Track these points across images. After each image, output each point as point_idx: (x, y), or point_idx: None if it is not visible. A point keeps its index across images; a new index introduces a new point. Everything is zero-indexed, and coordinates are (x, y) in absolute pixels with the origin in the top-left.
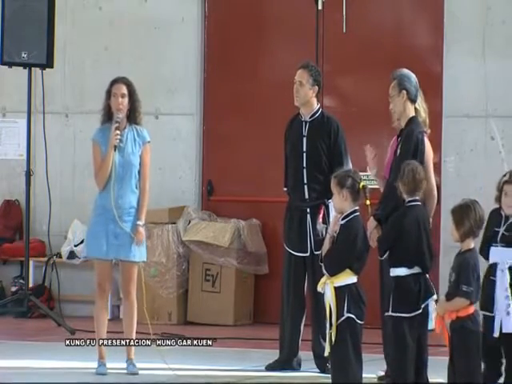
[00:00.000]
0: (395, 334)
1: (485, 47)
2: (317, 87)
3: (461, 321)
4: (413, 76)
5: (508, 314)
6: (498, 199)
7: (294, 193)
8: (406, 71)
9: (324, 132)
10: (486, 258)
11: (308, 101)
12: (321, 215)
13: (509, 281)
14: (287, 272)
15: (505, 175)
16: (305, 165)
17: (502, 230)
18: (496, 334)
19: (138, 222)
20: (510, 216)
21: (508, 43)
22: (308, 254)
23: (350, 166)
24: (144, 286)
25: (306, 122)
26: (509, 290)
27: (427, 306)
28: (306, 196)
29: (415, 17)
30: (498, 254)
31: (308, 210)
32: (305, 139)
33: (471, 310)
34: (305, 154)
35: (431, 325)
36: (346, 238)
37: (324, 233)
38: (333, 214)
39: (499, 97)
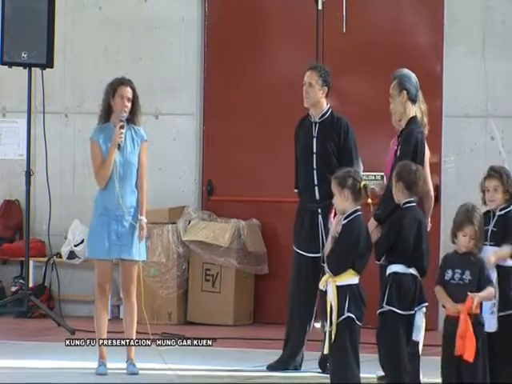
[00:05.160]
0: (387, 329)
1: (485, 47)
2: (326, 88)
3: (478, 316)
4: (413, 76)
5: (492, 312)
6: (484, 201)
7: (305, 194)
8: (406, 71)
9: (334, 132)
10: None
11: (318, 102)
12: (332, 215)
13: (496, 279)
14: (297, 273)
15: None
16: (315, 166)
17: (490, 227)
18: None
19: (142, 218)
20: (497, 211)
21: (508, 43)
22: (320, 255)
23: (361, 166)
24: (143, 285)
25: (315, 123)
26: (495, 290)
27: (415, 313)
28: (317, 197)
29: (415, 17)
30: (486, 252)
31: (319, 210)
32: (315, 140)
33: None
34: (315, 155)
35: (417, 336)
36: (348, 237)
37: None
38: None
39: (499, 97)
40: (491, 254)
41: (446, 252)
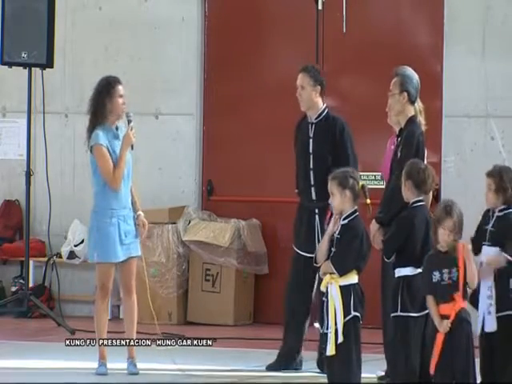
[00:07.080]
0: (403, 334)
1: (485, 47)
2: (319, 87)
3: (463, 312)
4: (415, 77)
5: (489, 313)
6: None
7: (303, 194)
8: (409, 72)
9: (329, 132)
10: (476, 255)
11: (312, 102)
12: (328, 216)
13: (492, 280)
14: (295, 272)
15: None
16: (311, 166)
17: (489, 227)
18: (477, 333)
19: (140, 213)
20: (496, 212)
21: (508, 43)
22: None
23: (357, 166)
24: (147, 285)
25: (312, 124)
26: (492, 290)
27: None
28: (314, 197)
29: (415, 17)
30: (484, 252)
31: (316, 210)
32: (311, 141)
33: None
34: (311, 156)
35: None
36: (353, 237)
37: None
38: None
39: (499, 97)
40: (485, 258)
41: None
